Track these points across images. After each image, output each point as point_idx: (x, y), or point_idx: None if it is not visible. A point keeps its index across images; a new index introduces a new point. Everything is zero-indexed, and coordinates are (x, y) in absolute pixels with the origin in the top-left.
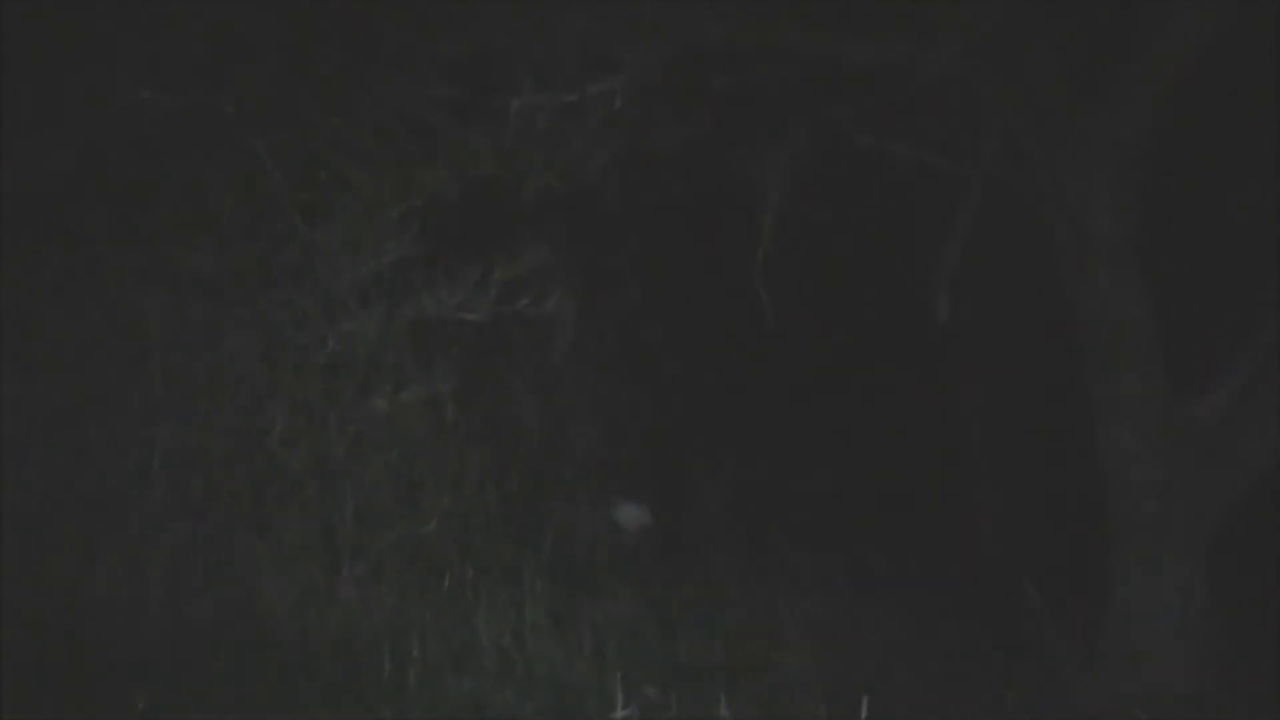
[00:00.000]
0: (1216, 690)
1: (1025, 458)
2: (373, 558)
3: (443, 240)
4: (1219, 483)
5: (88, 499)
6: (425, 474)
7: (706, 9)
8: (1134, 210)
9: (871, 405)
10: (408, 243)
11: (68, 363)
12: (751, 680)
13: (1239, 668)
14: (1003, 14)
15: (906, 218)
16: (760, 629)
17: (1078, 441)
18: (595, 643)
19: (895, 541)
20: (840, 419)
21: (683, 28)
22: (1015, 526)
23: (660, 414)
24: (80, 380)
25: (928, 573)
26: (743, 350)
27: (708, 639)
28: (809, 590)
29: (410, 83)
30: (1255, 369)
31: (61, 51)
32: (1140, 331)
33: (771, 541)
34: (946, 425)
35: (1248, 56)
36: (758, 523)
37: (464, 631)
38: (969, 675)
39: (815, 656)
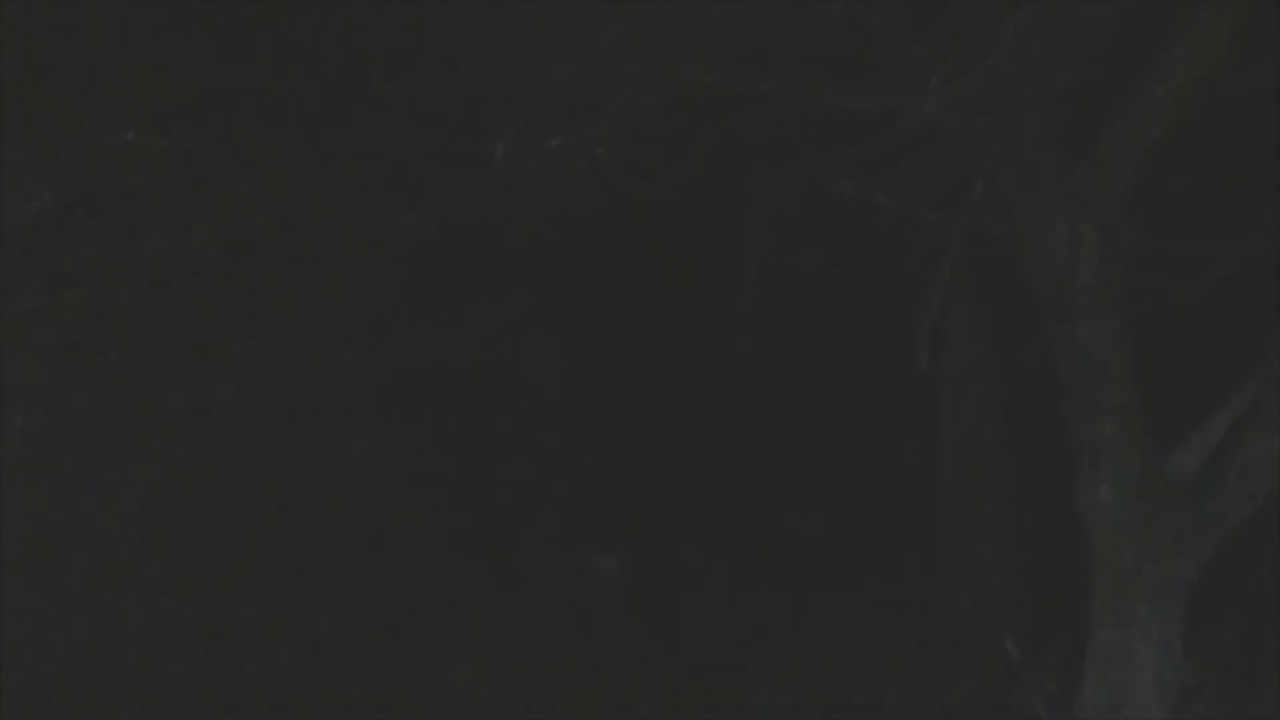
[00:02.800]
0: None
1: (1004, 507)
2: (349, 601)
3: (424, 284)
4: (1197, 534)
5: (69, 536)
6: (404, 518)
7: (691, 56)
8: (1116, 262)
9: (851, 454)
10: (389, 287)
11: (50, 402)
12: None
13: (1216, 716)
14: (986, 66)
15: (888, 267)
16: (735, 677)
17: (1057, 492)
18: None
19: (874, 593)
20: (821, 468)
21: (667, 74)
22: (993, 577)
23: (640, 461)
24: (62, 420)
25: (906, 624)
26: (723, 397)
27: (683, 683)
28: (785, 641)
29: (395, 127)
30: (1234, 421)
31: (48, 94)
32: (1120, 382)
33: (746, 592)
34: (925, 475)
35: (1233, 111)
36: (733, 572)
37: (432, 677)
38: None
39: (791, 707)
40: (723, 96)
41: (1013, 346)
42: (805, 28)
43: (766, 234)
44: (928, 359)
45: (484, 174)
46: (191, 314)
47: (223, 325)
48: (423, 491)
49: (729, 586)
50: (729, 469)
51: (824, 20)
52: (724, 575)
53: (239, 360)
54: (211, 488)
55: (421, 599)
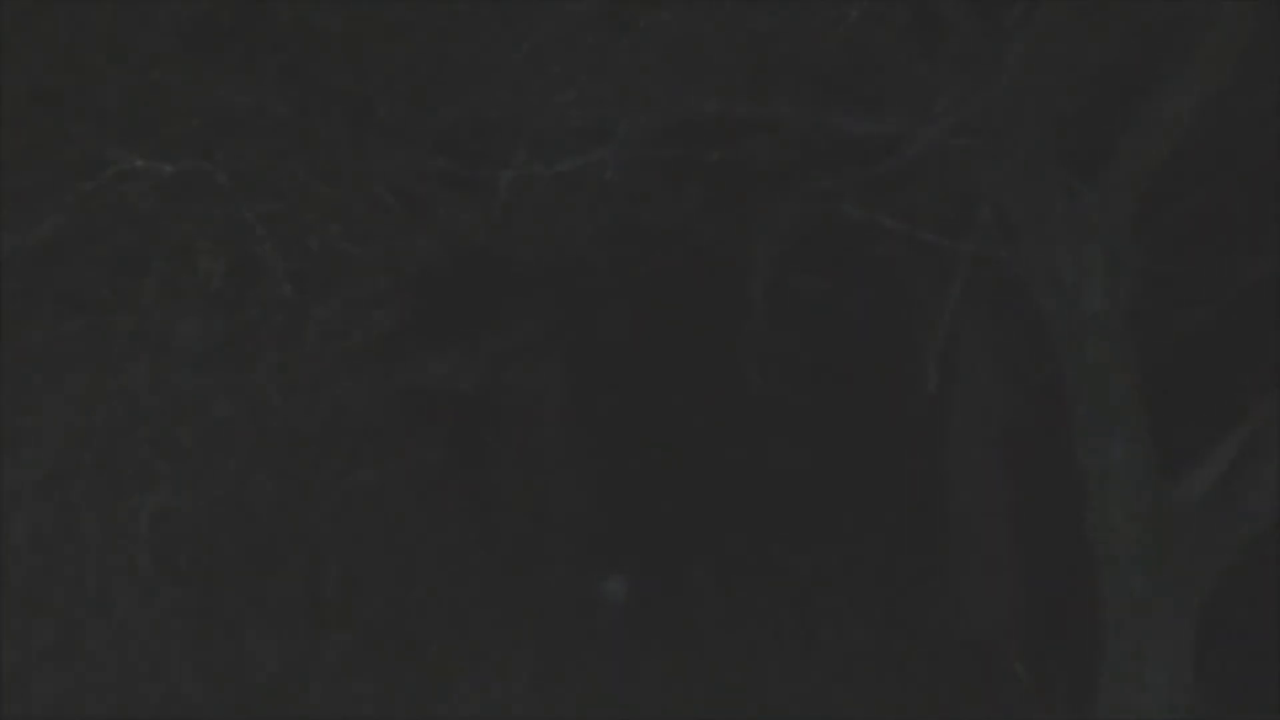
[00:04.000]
0: None
1: (1013, 530)
2: (359, 626)
3: (432, 310)
4: (1206, 557)
5: (75, 562)
6: (412, 543)
7: (699, 82)
8: (1124, 285)
9: (860, 477)
10: (397, 313)
11: (56, 428)
12: None
13: None
14: (992, 91)
15: (895, 290)
16: (744, 700)
17: (1066, 515)
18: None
19: (883, 617)
20: (829, 491)
21: (674, 100)
22: (1002, 601)
23: (646, 487)
24: (69, 446)
25: (916, 647)
26: (730, 422)
27: (694, 708)
28: (795, 663)
29: (402, 153)
30: (1241, 446)
31: (57, 118)
32: (1129, 406)
33: (755, 615)
34: (935, 498)
35: (1238, 133)
36: (742, 596)
37: (448, 701)
38: None
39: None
40: (729, 121)
41: (1021, 370)
42: (812, 53)
43: (774, 258)
44: (936, 382)
45: (491, 199)
46: (198, 339)
47: (230, 350)
48: (431, 516)
49: (738, 610)
50: (738, 493)
51: (831, 45)
52: (733, 599)
53: (246, 385)
54: (219, 513)
55: (430, 623)
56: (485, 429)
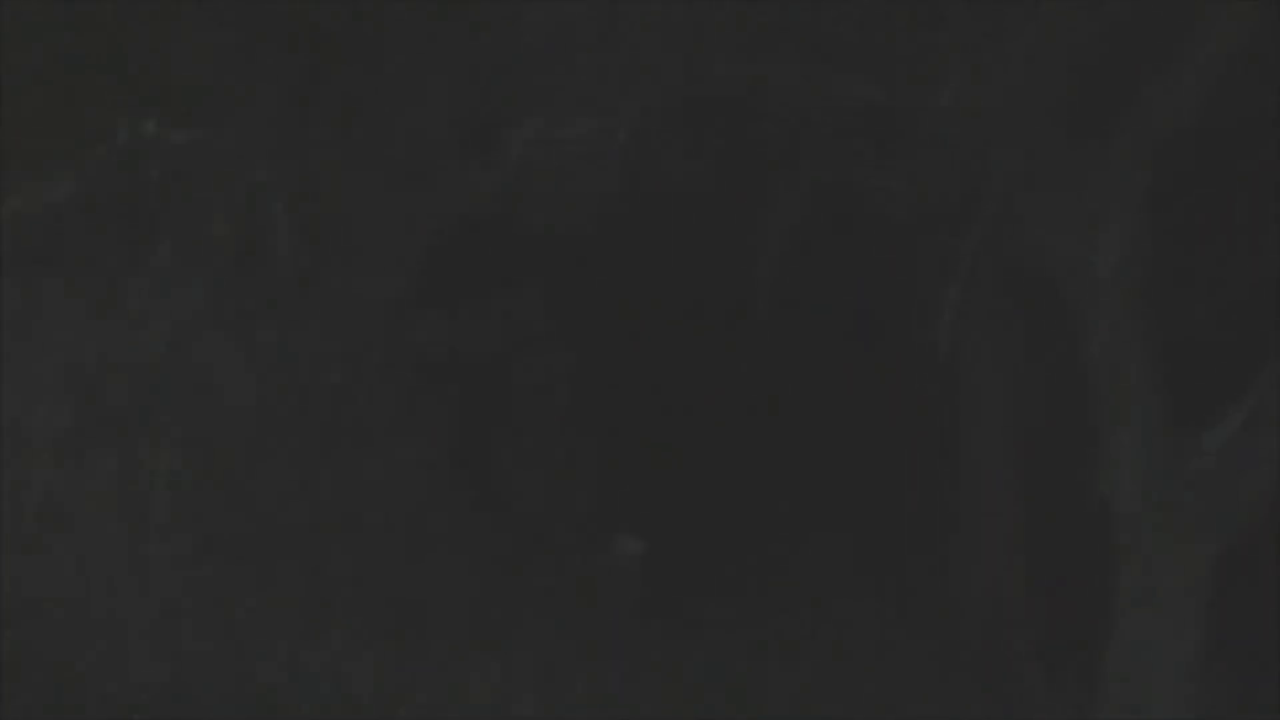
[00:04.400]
0: None
1: (1023, 504)
2: (368, 600)
3: (442, 275)
4: (1218, 528)
5: (84, 527)
6: (422, 503)
7: (709, 49)
8: (1136, 259)
9: (869, 450)
10: (407, 277)
11: (65, 393)
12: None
13: (1239, 715)
14: (1003, 63)
15: (907, 260)
16: (751, 677)
17: (1080, 481)
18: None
19: (892, 575)
20: (839, 464)
21: (685, 67)
22: (1010, 574)
23: (661, 448)
24: (78, 410)
25: (922, 624)
26: (742, 390)
27: (705, 671)
28: (804, 623)
29: (413, 115)
30: (1252, 414)
31: (67, 85)
32: (1140, 377)
33: (762, 584)
34: (944, 470)
35: (1251, 106)
36: (750, 565)
37: (456, 679)
38: (964, 712)
39: (812, 688)
40: (739, 89)
41: (1033, 340)
42: (820, 21)
43: (783, 224)
44: (945, 354)
45: (501, 163)
46: (211, 303)
47: (242, 315)
48: (444, 478)
49: (743, 581)
50: (745, 459)
51: (838, 14)
52: (738, 569)
53: (258, 349)
54: (230, 474)
55: (442, 584)
56: (500, 391)
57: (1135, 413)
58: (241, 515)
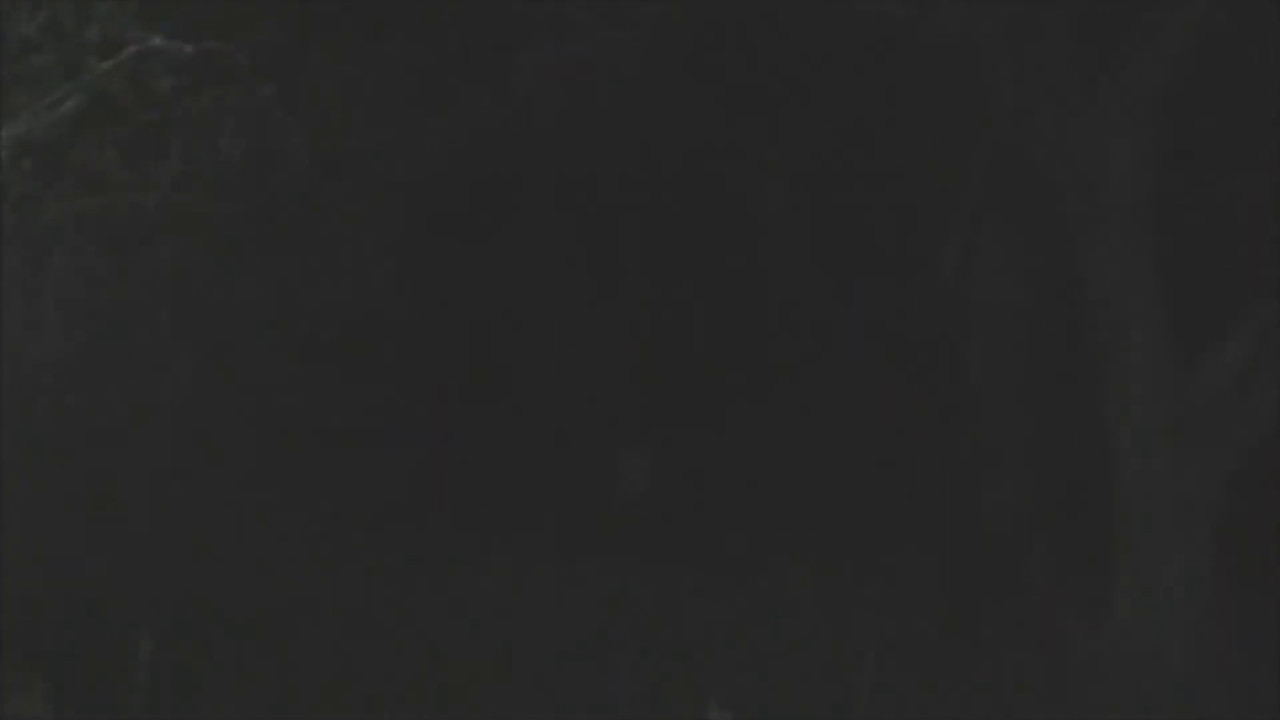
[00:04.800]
0: (1221, 659)
1: (1034, 417)
2: (379, 513)
3: (450, 200)
4: (1225, 444)
5: (96, 445)
6: (432, 427)
7: None
8: (1146, 176)
9: (879, 372)
10: (415, 199)
11: (76, 309)
12: (760, 634)
13: (1244, 637)
14: None
15: (918, 178)
16: (768, 587)
17: (1087, 403)
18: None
19: (902, 499)
20: (848, 386)
21: None
22: (1022, 499)
23: (669, 369)
24: (89, 327)
25: (934, 530)
26: (749, 312)
27: (716, 588)
28: (815, 544)
29: (422, 36)
30: (1261, 329)
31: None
32: (1148, 293)
33: (777, 496)
34: (953, 396)
35: (1263, 17)
36: (764, 476)
37: (468, 589)
38: (975, 644)
39: (822, 609)
40: (745, 16)
41: (1041, 258)
42: None
43: (795, 147)
44: (956, 271)
45: (510, 83)
46: (215, 221)
47: (247, 234)
48: (453, 396)
49: (756, 493)
50: (756, 381)
51: None
52: (751, 483)
53: (264, 269)
54: (239, 396)
55: (451, 503)
56: (507, 311)
57: (1141, 333)
58: (251, 426)
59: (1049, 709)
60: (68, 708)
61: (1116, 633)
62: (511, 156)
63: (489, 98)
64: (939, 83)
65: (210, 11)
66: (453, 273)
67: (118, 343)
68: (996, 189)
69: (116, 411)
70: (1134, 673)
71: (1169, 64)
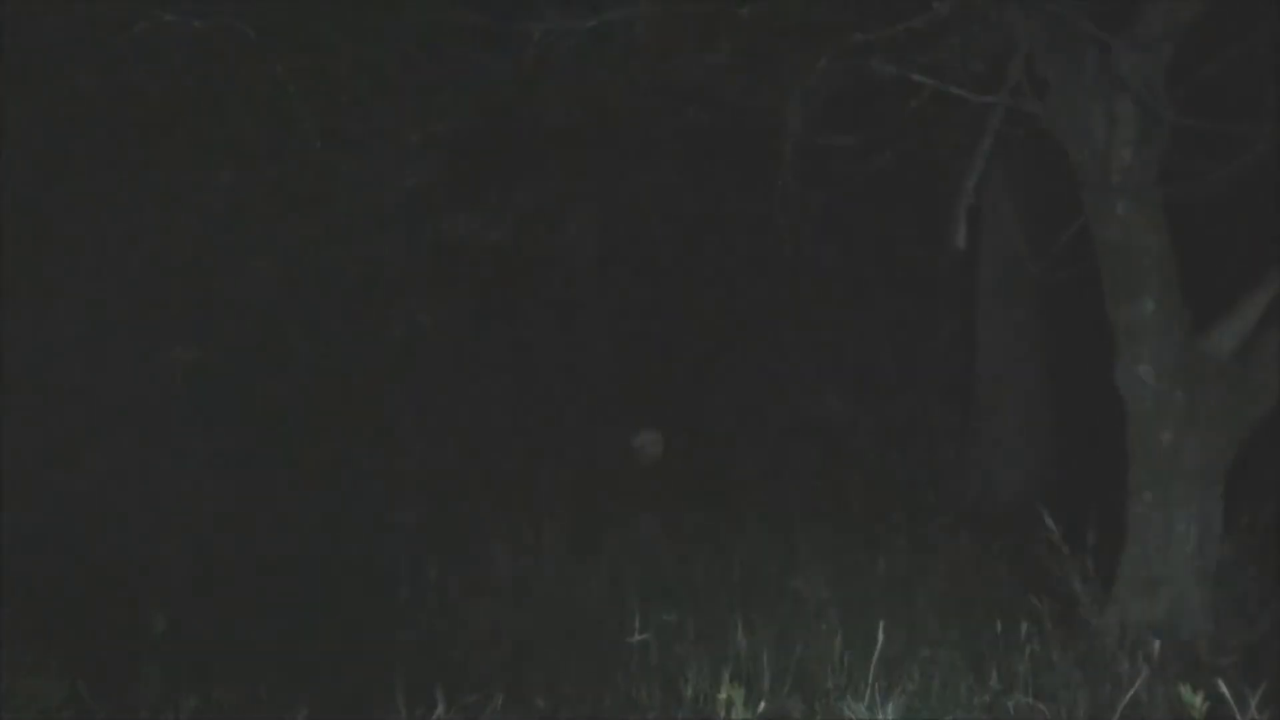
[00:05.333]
0: (1231, 617)
1: (1043, 385)
2: (392, 482)
3: (463, 166)
4: (1235, 412)
5: (107, 417)
6: (444, 398)
7: None
8: (1155, 141)
9: (888, 333)
10: (428, 168)
11: (88, 282)
12: (767, 606)
13: (1253, 595)
14: None
15: (925, 147)
16: (776, 555)
17: (1097, 372)
18: (612, 567)
19: (912, 471)
20: (857, 347)
21: None
22: (1032, 455)
23: (678, 341)
24: (101, 299)
25: (944, 502)
26: (761, 278)
27: (724, 565)
28: (825, 517)
29: (433, 8)
30: (1270, 301)
31: None
32: (1159, 261)
33: (787, 468)
34: (963, 354)
35: None
36: (774, 450)
37: (482, 556)
38: (985, 604)
39: (832, 583)
40: None
41: (1051, 225)
42: None
43: (804, 114)
44: (965, 238)
45: (522, 54)
46: (231, 193)
47: (264, 205)
48: (463, 373)
49: (766, 467)
50: (767, 349)
51: None
52: (762, 456)
53: (280, 239)
54: (252, 367)
55: (463, 476)
56: (517, 284)
57: (1154, 297)
58: (265, 397)
59: (1058, 681)
60: (80, 686)
61: (1125, 608)
62: (524, 129)
63: (502, 66)
64: (950, 48)
65: None
66: (463, 243)
67: (126, 322)
68: (1008, 157)
69: (127, 385)
70: (1144, 644)
71: (1181, 32)
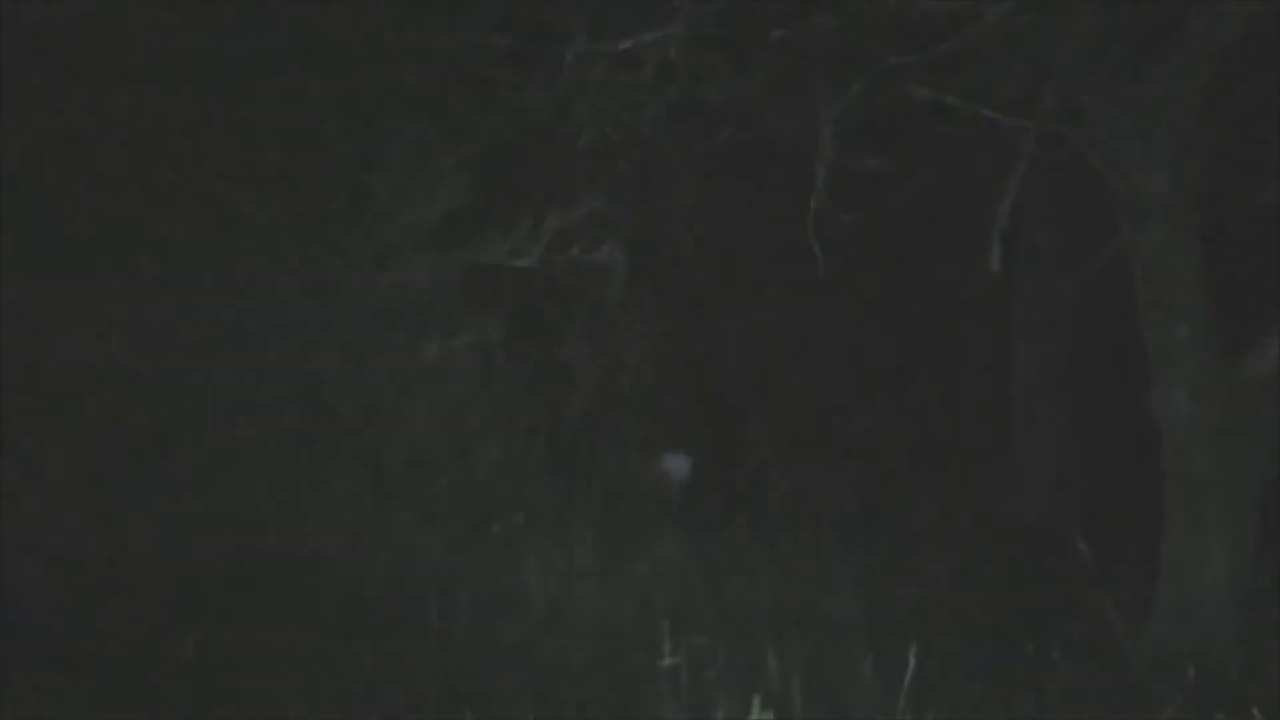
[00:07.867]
0: (1266, 644)
1: (1078, 409)
2: (422, 505)
3: (495, 188)
4: (1270, 437)
5: (137, 442)
6: (475, 421)
7: None
8: (1190, 165)
9: (923, 356)
10: (460, 190)
11: (117, 306)
12: (799, 630)
13: None
14: None
15: (960, 170)
16: (808, 578)
17: (1131, 396)
18: (643, 591)
19: (945, 493)
20: (891, 370)
21: None
22: (1066, 479)
23: (710, 363)
24: (130, 324)
25: (977, 525)
26: (794, 301)
27: (755, 588)
28: (857, 540)
29: (465, 30)
30: None
31: None
32: (1194, 286)
33: (820, 491)
34: (998, 377)
35: None
36: (806, 472)
37: (512, 579)
38: (1017, 629)
39: (863, 607)
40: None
41: (1086, 250)
42: None
43: (837, 137)
44: (1000, 261)
45: (555, 76)
46: (259, 219)
47: (289, 225)
48: (493, 394)
49: (799, 487)
50: (800, 371)
51: None
52: (795, 477)
53: (308, 263)
54: (282, 391)
55: (493, 498)
56: (548, 306)
57: (1188, 323)
58: (296, 421)
59: (1092, 705)
60: (109, 708)
61: (1159, 633)
62: (556, 151)
63: (535, 88)
64: (986, 70)
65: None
66: (496, 264)
67: (154, 343)
68: (1042, 181)
69: (157, 410)
70: (1178, 670)
71: (1214, 54)
